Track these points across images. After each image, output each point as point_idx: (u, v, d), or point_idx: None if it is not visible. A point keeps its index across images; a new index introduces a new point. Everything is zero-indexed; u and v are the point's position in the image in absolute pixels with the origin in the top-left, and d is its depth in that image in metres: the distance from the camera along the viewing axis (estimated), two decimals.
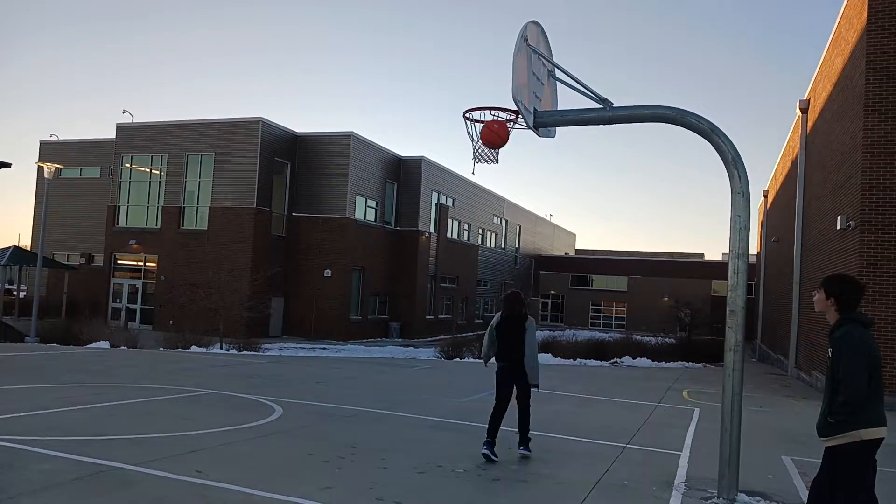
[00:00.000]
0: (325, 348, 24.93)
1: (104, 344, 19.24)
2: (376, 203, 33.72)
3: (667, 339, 27.87)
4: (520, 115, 6.39)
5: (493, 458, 6.60)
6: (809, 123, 18.97)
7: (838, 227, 13.46)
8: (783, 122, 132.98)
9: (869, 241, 12.21)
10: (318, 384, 12.38)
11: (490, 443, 6.68)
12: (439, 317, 37.93)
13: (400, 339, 33.22)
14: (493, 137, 6.57)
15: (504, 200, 49.85)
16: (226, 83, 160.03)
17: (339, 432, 7.81)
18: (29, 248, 34.63)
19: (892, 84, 12.25)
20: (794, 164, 20.82)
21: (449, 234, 39.23)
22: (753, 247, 35.90)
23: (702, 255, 64.75)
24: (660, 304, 45.02)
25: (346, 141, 31.32)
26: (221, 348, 20.49)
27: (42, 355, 15.27)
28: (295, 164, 31.75)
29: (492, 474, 6.23)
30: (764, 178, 44.49)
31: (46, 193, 24.15)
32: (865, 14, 12.54)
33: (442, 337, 30.00)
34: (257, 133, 29.46)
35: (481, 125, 6.76)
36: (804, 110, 19.22)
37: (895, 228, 12.09)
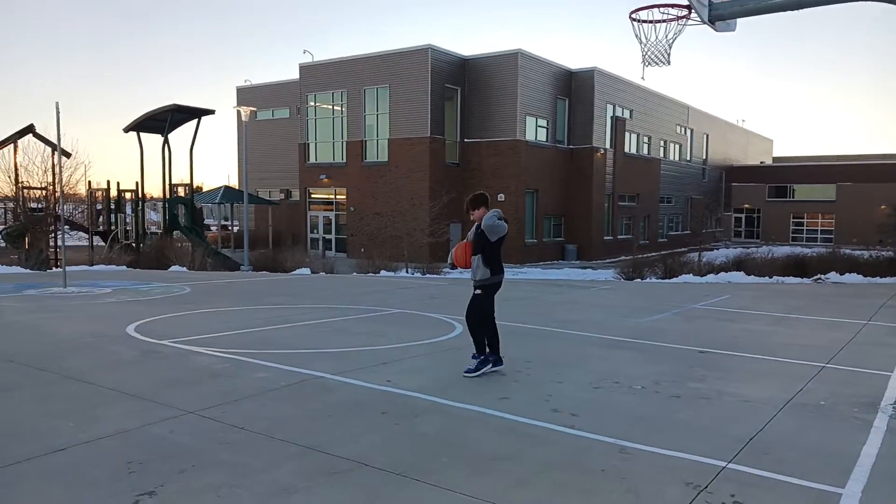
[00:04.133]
0: None
1: (305, 270, 21.31)
2: (547, 122, 33.04)
3: (883, 253, 24.77)
4: (692, 10, 5.83)
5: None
6: None
7: None
8: None
9: None
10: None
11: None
12: (618, 237, 36.92)
13: (577, 262, 32.95)
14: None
15: (688, 108, 46.40)
16: (393, 13, 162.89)
17: (515, 348, 8.03)
18: (237, 187, 38.75)
19: None
20: None
21: (627, 149, 37.54)
22: None
23: None
24: (876, 214, 39.86)
25: (513, 59, 30.78)
26: (407, 272, 21.79)
27: (255, 281, 17.28)
28: (465, 90, 31.92)
29: (671, 391, 6.10)
30: None
31: (245, 135, 26.68)
32: None
33: (622, 258, 29.26)
34: (427, 61, 29.92)
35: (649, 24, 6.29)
36: None
37: None
